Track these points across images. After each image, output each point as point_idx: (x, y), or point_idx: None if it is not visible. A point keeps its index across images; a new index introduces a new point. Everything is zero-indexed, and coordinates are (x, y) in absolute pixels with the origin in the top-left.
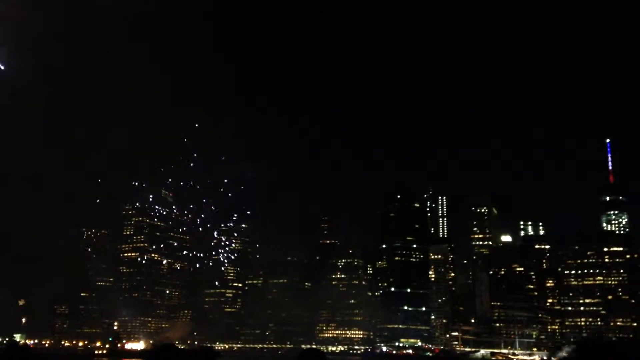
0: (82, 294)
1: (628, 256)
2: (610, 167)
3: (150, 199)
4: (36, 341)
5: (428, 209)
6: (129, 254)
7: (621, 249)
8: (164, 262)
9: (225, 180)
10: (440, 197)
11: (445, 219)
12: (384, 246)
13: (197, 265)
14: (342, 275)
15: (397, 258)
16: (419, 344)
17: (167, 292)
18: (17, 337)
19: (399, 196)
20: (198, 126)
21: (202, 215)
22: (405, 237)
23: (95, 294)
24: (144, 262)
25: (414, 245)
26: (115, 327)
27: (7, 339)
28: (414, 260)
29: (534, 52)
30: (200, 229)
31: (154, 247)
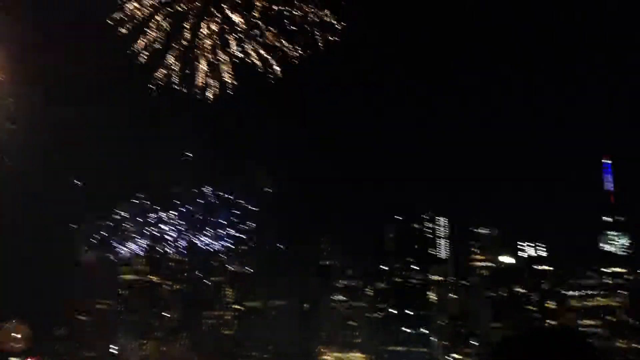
0: (79, 317)
1: (630, 277)
2: (610, 188)
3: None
4: None
5: (428, 230)
6: (128, 277)
7: (622, 270)
8: (163, 284)
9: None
10: (440, 218)
11: (445, 239)
12: (383, 267)
13: (196, 288)
14: (342, 297)
15: (396, 279)
16: None
17: (166, 314)
18: None
19: (397, 216)
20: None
21: (202, 237)
22: (404, 258)
23: (93, 317)
24: (142, 284)
25: (414, 267)
26: (113, 350)
27: None
28: (414, 281)
29: (534, 70)
30: (200, 250)
31: (152, 269)
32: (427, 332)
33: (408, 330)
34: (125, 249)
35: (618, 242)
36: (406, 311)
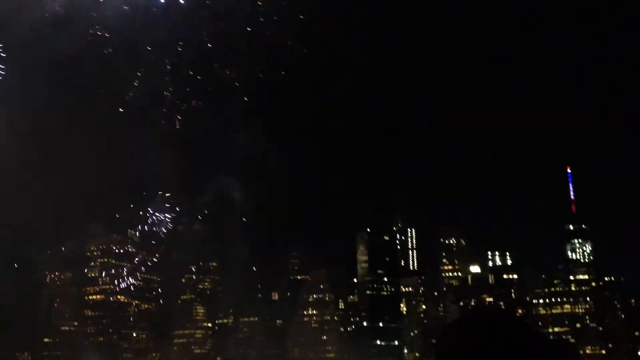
0: (45, 340)
1: (594, 284)
2: (572, 197)
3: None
4: None
5: (397, 242)
6: (94, 297)
7: (587, 277)
8: (131, 303)
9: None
10: (409, 230)
11: (414, 251)
12: (354, 280)
13: (165, 306)
14: (314, 312)
15: (368, 292)
16: None
17: (134, 335)
18: None
19: (368, 229)
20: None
21: (171, 253)
22: (375, 270)
23: (59, 340)
24: (109, 304)
25: (385, 279)
26: None
27: None
28: (385, 293)
29: (497, 81)
30: (169, 269)
31: (119, 288)
32: (399, 344)
33: (380, 343)
34: (92, 268)
35: (582, 249)
36: (378, 324)
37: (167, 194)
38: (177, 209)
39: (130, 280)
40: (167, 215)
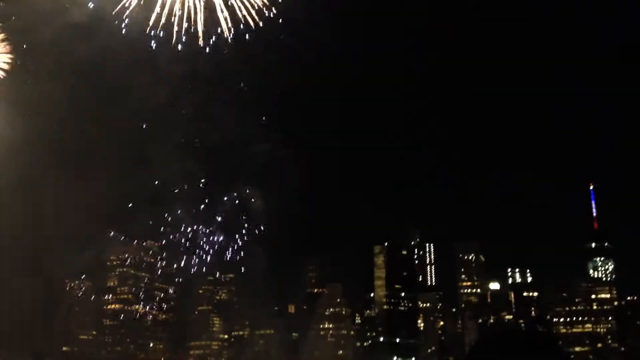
0: (63, 349)
1: (616, 303)
2: (594, 214)
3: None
4: None
5: (416, 257)
6: (113, 306)
7: (609, 295)
8: (149, 314)
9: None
10: (427, 245)
11: (433, 266)
12: (371, 295)
13: (182, 317)
14: (330, 325)
15: (384, 307)
16: None
17: (151, 345)
18: None
19: (386, 244)
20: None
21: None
22: (393, 285)
23: (77, 349)
24: (127, 314)
25: (402, 294)
26: None
27: None
28: (402, 309)
29: (514, 96)
30: (186, 279)
31: (138, 298)
32: None
33: (397, 359)
34: (111, 278)
35: (604, 268)
36: (395, 339)
37: (186, 204)
38: (196, 219)
39: (148, 290)
40: (185, 225)
